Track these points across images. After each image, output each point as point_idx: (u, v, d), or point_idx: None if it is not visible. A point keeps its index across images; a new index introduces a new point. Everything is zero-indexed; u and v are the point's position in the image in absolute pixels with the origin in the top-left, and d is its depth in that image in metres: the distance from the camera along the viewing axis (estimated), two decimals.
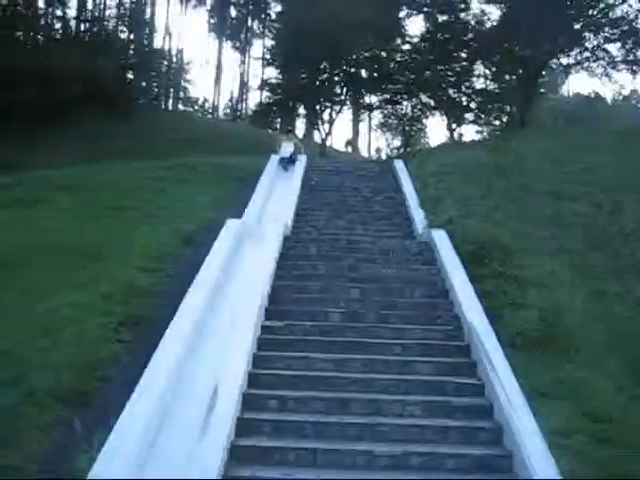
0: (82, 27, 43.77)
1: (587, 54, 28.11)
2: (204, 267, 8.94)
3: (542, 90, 35.61)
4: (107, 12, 45.49)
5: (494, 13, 29.51)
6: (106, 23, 44.46)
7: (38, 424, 5.96)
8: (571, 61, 29.36)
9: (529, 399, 6.52)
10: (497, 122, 37.94)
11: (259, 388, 6.89)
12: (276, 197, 14.22)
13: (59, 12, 41.92)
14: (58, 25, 42.21)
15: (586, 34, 27.32)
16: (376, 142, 61.91)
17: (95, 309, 8.32)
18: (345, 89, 34.15)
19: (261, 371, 7.17)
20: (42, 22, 40.10)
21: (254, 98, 59.79)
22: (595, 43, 27.47)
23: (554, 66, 31.24)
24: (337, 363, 7.43)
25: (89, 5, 44.97)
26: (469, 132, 58.10)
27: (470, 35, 29.07)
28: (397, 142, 52.11)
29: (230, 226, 10.52)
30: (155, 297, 8.85)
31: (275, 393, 6.80)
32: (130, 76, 40.85)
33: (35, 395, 6.39)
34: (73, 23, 43.52)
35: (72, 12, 43.89)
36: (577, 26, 26.78)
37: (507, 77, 32.05)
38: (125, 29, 44.36)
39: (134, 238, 11.22)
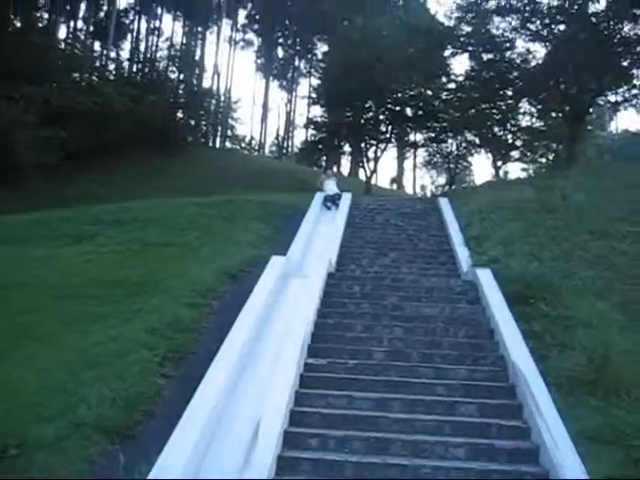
0: (134, 68, 45.26)
1: (635, 91, 27.77)
2: (248, 303, 9.01)
3: (589, 127, 35.22)
4: (158, 54, 47.04)
5: (539, 51, 29.40)
6: (157, 64, 45.87)
7: (83, 456, 6.05)
8: (619, 98, 29.05)
9: (576, 443, 6.37)
10: (543, 159, 37.62)
11: (300, 426, 6.88)
12: (320, 235, 14.29)
13: (113, 54, 43.47)
14: (112, 66, 43.67)
15: (634, 71, 27.03)
16: (421, 179, 61.98)
17: (140, 343, 8.45)
18: (390, 127, 34.28)
19: (303, 409, 7.16)
20: (97, 64, 41.51)
21: (300, 136, 60.74)
22: None
23: (601, 103, 30.92)
24: (379, 402, 7.37)
25: (142, 47, 46.59)
26: (515, 170, 57.79)
27: (515, 73, 28.98)
28: (442, 179, 52.04)
29: (274, 263, 10.60)
30: (199, 333, 8.95)
31: (316, 432, 6.77)
32: (180, 115, 41.83)
33: (82, 427, 6.51)
34: (126, 64, 45.09)
35: (125, 54, 45.55)
36: (624, 63, 26.53)
37: (553, 114, 31.80)
38: (175, 69, 45.62)
39: (180, 274, 11.40)
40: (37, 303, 10.68)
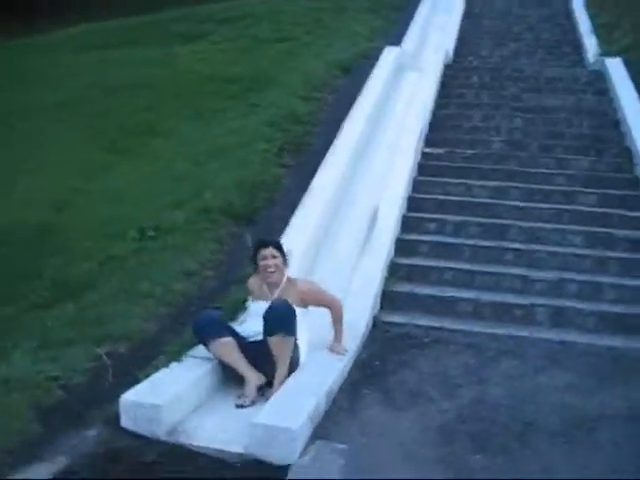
0: None
1: None
2: (363, 95, 8.92)
3: None
4: None
5: None
6: None
7: (213, 237, 6.45)
8: None
9: None
10: None
11: (419, 211, 7.00)
12: (436, 26, 13.56)
13: None
14: None
15: None
16: None
17: (259, 135, 8.60)
18: None
19: (421, 195, 7.24)
20: None
21: None
22: None
23: None
24: (497, 190, 7.34)
25: None
26: None
27: None
28: None
29: (389, 54, 10.29)
30: (315, 125, 8.96)
31: (434, 216, 6.88)
32: None
33: (209, 212, 6.86)
34: None
35: None
36: None
37: None
38: None
39: (293, 68, 11.28)
40: (157, 101, 10.95)
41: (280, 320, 4.21)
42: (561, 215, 6.95)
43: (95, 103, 11.15)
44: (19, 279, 6.20)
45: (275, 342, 4.21)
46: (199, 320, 4.40)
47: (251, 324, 4.50)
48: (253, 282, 4.79)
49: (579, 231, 6.70)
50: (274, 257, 4.56)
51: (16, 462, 3.34)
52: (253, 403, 4.09)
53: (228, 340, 4.28)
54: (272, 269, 4.55)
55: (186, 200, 7.25)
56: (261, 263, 4.58)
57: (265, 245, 4.63)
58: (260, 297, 4.62)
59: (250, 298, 4.90)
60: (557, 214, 6.96)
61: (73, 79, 12.66)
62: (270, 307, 4.30)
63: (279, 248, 4.66)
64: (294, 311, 4.31)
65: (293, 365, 4.33)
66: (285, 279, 4.64)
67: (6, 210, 7.66)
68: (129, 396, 3.78)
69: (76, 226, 7.19)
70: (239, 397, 4.15)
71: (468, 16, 14.44)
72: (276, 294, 4.55)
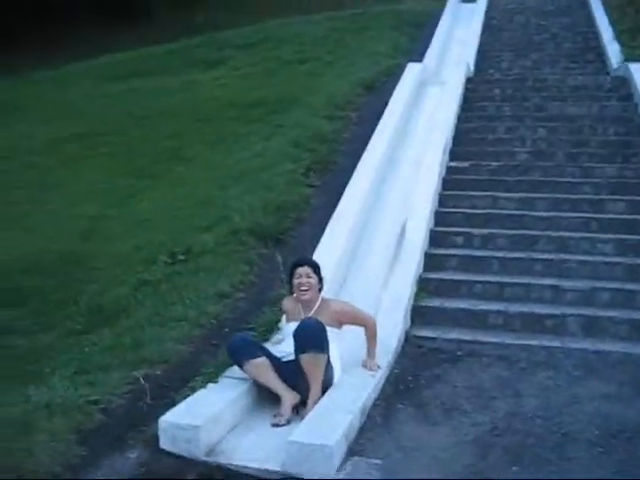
0: None
1: None
2: (387, 112, 8.97)
3: None
4: None
5: None
6: None
7: (242, 258, 6.53)
8: None
9: None
10: None
11: (445, 226, 7.02)
12: (456, 40, 13.62)
13: None
14: None
15: None
16: None
17: (284, 156, 8.71)
18: None
19: (447, 209, 7.27)
20: None
21: None
22: None
23: None
24: (523, 202, 7.33)
25: None
26: None
27: None
28: None
29: (411, 70, 10.35)
30: (340, 143, 9.07)
31: (461, 230, 6.90)
32: None
33: (237, 234, 6.95)
34: None
35: None
36: None
37: None
38: None
39: (316, 89, 11.43)
40: (180, 128, 11.19)
41: (310, 338, 4.26)
42: (589, 224, 6.92)
43: (119, 133, 11.42)
44: (54, 307, 6.35)
45: (306, 360, 4.26)
46: (233, 342, 4.46)
47: (285, 345, 4.56)
48: (288, 303, 4.86)
49: (608, 239, 6.66)
50: (309, 277, 4.64)
51: None
52: (289, 422, 4.13)
53: (262, 360, 4.34)
54: (305, 287, 4.62)
55: (214, 223, 7.38)
56: (295, 281, 4.66)
57: (301, 264, 4.73)
58: (294, 318, 4.67)
59: (285, 319, 4.96)
60: (585, 223, 6.93)
61: (96, 109, 12.97)
62: (299, 325, 4.36)
63: (315, 268, 4.74)
64: (324, 328, 4.36)
65: (326, 383, 4.37)
66: (319, 300, 4.70)
67: (36, 239, 7.86)
68: (167, 418, 3.86)
69: (107, 253, 7.35)
70: (275, 416, 4.20)
71: (488, 28, 14.49)
72: (311, 315, 4.61)
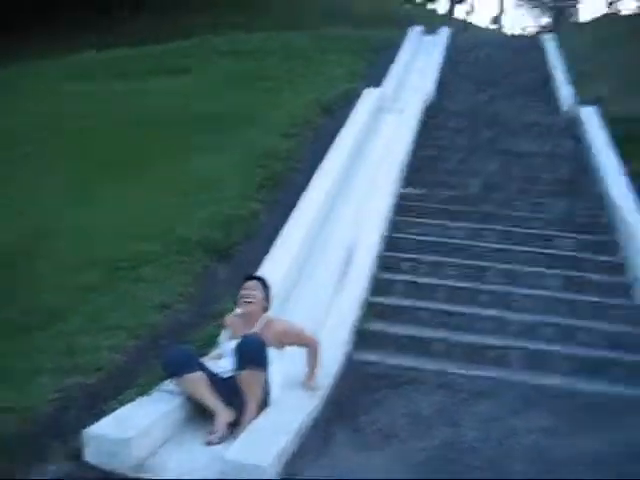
0: None
1: None
2: (343, 133, 9.00)
3: None
4: None
5: None
6: None
7: (187, 270, 6.36)
8: None
9: None
10: None
11: (395, 251, 6.99)
12: (416, 70, 13.80)
13: None
14: None
15: None
16: (522, 20, 58.11)
17: (237, 171, 8.59)
18: None
19: (397, 235, 7.24)
20: None
21: None
22: None
23: None
24: (474, 232, 7.38)
25: None
26: (628, 4, 51.86)
27: None
28: (546, 19, 48.57)
29: (368, 95, 10.41)
30: (294, 161, 8.99)
31: (410, 256, 6.88)
32: None
33: (184, 245, 6.79)
34: None
35: None
36: None
37: None
38: None
39: (274, 105, 11.36)
40: (137, 135, 10.90)
41: (250, 353, 4.17)
42: (537, 258, 6.97)
43: (65, 139, 11.06)
44: None
45: (245, 376, 4.15)
46: (169, 354, 4.33)
47: (224, 361, 4.44)
48: (231, 319, 4.78)
49: (554, 274, 6.72)
50: (254, 290, 4.61)
51: None
52: (222, 440, 3.99)
53: (199, 375, 4.20)
54: (249, 299, 4.56)
55: (160, 234, 7.17)
56: (241, 292, 4.60)
57: (251, 278, 4.74)
58: (236, 335, 4.57)
59: (224, 334, 4.86)
60: (533, 257, 6.98)
61: (57, 111, 12.62)
62: (241, 341, 4.26)
63: (264, 286, 4.70)
64: (264, 345, 4.26)
65: (263, 403, 4.25)
66: (263, 319, 4.63)
67: None
68: (94, 429, 3.68)
69: (49, 255, 7.08)
70: (209, 434, 4.06)
71: (448, 62, 14.69)
72: (252, 332, 4.51)
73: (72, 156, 10.18)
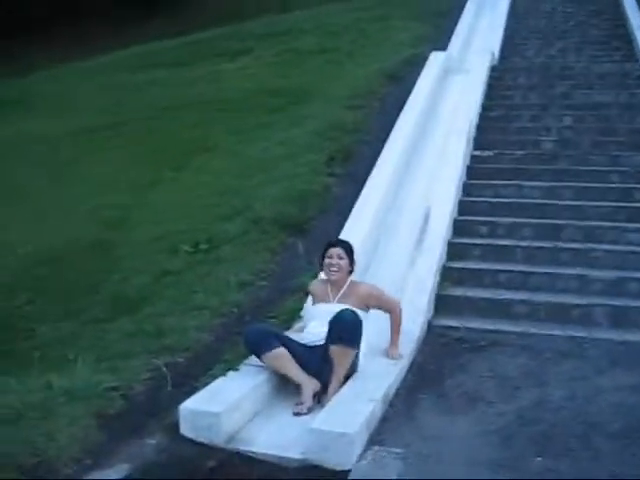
0: None
1: None
2: (410, 101, 8.88)
3: None
4: None
5: None
6: None
7: (265, 247, 6.50)
8: None
9: None
10: None
11: (469, 215, 6.93)
12: (481, 29, 13.45)
13: None
14: None
15: None
16: None
17: (306, 146, 8.66)
18: None
19: (471, 199, 7.18)
20: None
21: None
22: None
23: None
24: (549, 191, 7.23)
25: None
26: None
27: None
28: None
29: (435, 58, 10.23)
30: (363, 133, 8.98)
31: (486, 219, 6.81)
32: None
33: (259, 223, 6.92)
34: None
35: None
36: None
37: None
38: None
39: (339, 78, 11.35)
40: (203, 118, 11.14)
41: (345, 331, 4.21)
42: (617, 212, 6.79)
43: (143, 124, 11.41)
44: (78, 295, 6.37)
45: (336, 351, 4.22)
46: (248, 334, 4.39)
47: (311, 328, 4.52)
48: (315, 284, 4.89)
49: (637, 228, 6.53)
50: (340, 258, 4.62)
51: (79, 469, 3.42)
52: (310, 411, 4.09)
53: (280, 351, 4.28)
54: (335, 268, 4.59)
55: (237, 213, 7.34)
56: (326, 261, 4.64)
57: (334, 245, 4.72)
58: (322, 299, 4.67)
59: (310, 300, 4.92)
60: (613, 211, 6.80)
61: (119, 101, 13.00)
62: (337, 315, 4.28)
63: (348, 251, 4.70)
64: (361, 323, 4.30)
65: (351, 371, 4.34)
66: (348, 282, 4.68)
67: (60, 229, 7.89)
68: (188, 404, 3.84)
69: (130, 242, 7.35)
70: (296, 405, 4.17)
71: (514, 16, 14.29)
72: (339, 296, 4.60)
73: (148, 144, 10.50)
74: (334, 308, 4.43)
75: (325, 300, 4.62)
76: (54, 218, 8.32)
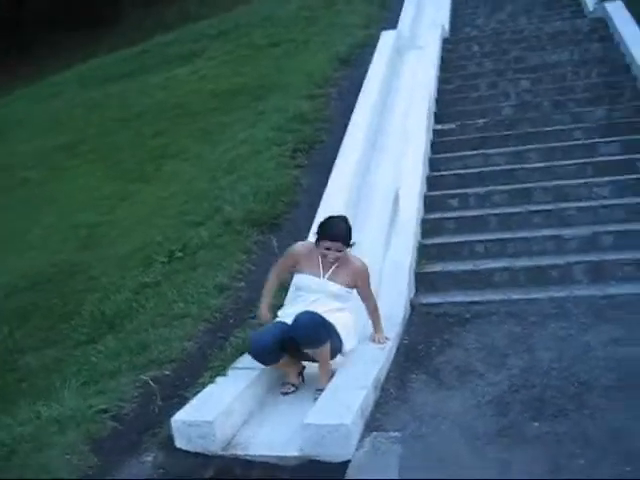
0: None
1: None
2: (366, 83, 8.87)
3: None
4: None
5: None
6: None
7: (239, 248, 6.44)
8: None
9: None
10: None
11: (439, 189, 6.93)
12: (428, 3, 13.43)
13: None
14: None
15: None
16: None
17: (269, 141, 8.59)
18: None
19: (439, 173, 7.18)
20: None
21: None
22: None
23: None
24: (515, 155, 7.25)
25: None
26: None
27: None
28: None
29: (385, 38, 10.22)
30: (324, 121, 8.93)
31: (455, 192, 6.82)
32: None
33: (231, 224, 6.86)
34: None
35: None
36: None
37: None
38: None
39: (293, 69, 11.29)
40: (163, 127, 11.05)
41: (308, 337, 4.12)
42: (584, 169, 6.82)
43: (102, 139, 11.30)
44: (59, 320, 6.31)
45: (311, 352, 4.24)
46: (255, 347, 4.22)
47: (297, 304, 4.42)
48: (301, 250, 4.57)
49: (605, 182, 6.56)
50: (338, 250, 4.38)
51: None
52: (296, 387, 4.33)
53: (285, 360, 4.31)
54: (332, 259, 4.40)
55: (207, 217, 7.28)
56: (323, 251, 4.38)
57: (335, 239, 4.37)
58: (310, 268, 4.45)
59: (295, 269, 4.60)
60: (580, 169, 6.83)
61: (78, 117, 12.85)
62: (295, 325, 4.13)
63: (346, 240, 4.43)
64: (322, 318, 4.15)
65: (335, 351, 4.31)
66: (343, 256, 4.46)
67: (32, 256, 7.81)
68: (179, 416, 3.80)
69: (104, 260, 7.28)
70: (283, 384, 4.36)
71: None
72: (330, 272, 4.42)
73: (111, 157, 10.40)
74: (322, 287, 4.36)
75: (314, 272, 4.41)
76: (29, 245, 8.22)
